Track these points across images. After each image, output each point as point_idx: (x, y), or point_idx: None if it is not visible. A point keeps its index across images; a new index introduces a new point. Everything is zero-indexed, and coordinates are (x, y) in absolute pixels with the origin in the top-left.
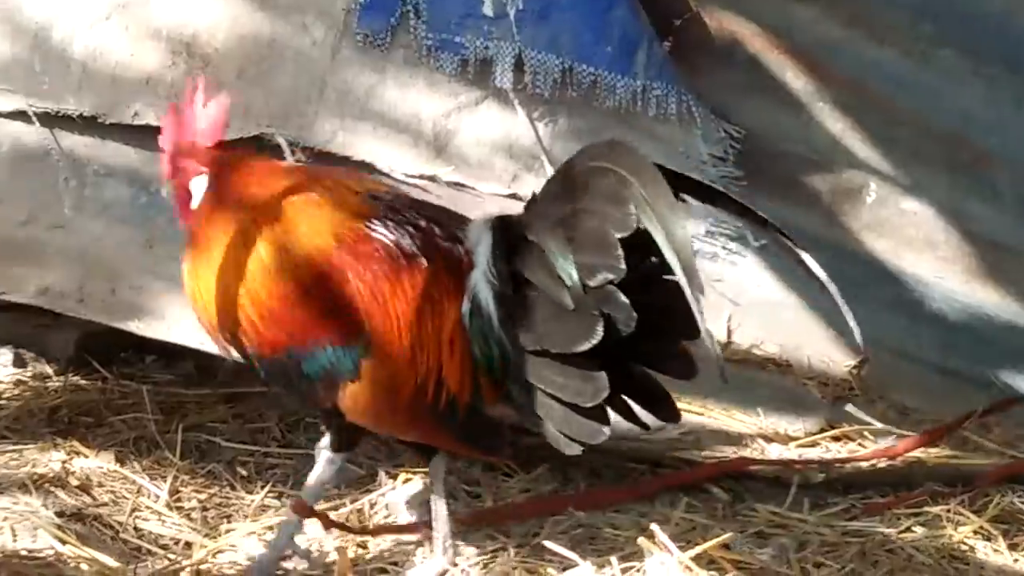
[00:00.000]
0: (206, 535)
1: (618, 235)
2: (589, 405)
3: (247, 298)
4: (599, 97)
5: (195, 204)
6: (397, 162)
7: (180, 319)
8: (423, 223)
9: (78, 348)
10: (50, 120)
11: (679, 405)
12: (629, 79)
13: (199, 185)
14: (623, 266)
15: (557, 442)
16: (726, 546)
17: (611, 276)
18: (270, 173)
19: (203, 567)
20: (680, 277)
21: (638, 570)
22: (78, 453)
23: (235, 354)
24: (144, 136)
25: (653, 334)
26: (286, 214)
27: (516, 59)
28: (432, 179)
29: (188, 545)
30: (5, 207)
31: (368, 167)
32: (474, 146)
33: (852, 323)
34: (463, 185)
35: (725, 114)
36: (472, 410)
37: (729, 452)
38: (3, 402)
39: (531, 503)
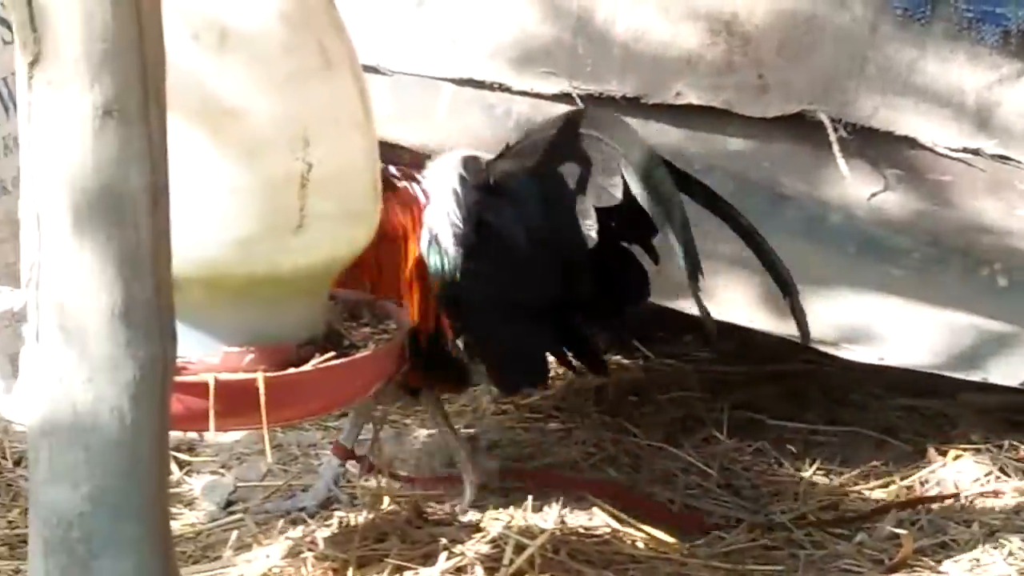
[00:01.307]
0: (755, 512)
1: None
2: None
3: None
4: None
5: None
6: (939, 136)
7: (726, 297)
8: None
9: None
10: (593, 102)
11: None
12: None
13: None
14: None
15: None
16: None
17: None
18: None
19: (753, 543)
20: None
21: None
22: (625, 431)
23: None
24: (686, 116)
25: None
26: None
27: None
28: (975, 152)
29: (738, 522)
30: None
31: (910, 142)
32: (1018, 118)
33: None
34: (1008, 158)
35: None
36: (435, 343)
37: None
38: (550, 382)
39: None
